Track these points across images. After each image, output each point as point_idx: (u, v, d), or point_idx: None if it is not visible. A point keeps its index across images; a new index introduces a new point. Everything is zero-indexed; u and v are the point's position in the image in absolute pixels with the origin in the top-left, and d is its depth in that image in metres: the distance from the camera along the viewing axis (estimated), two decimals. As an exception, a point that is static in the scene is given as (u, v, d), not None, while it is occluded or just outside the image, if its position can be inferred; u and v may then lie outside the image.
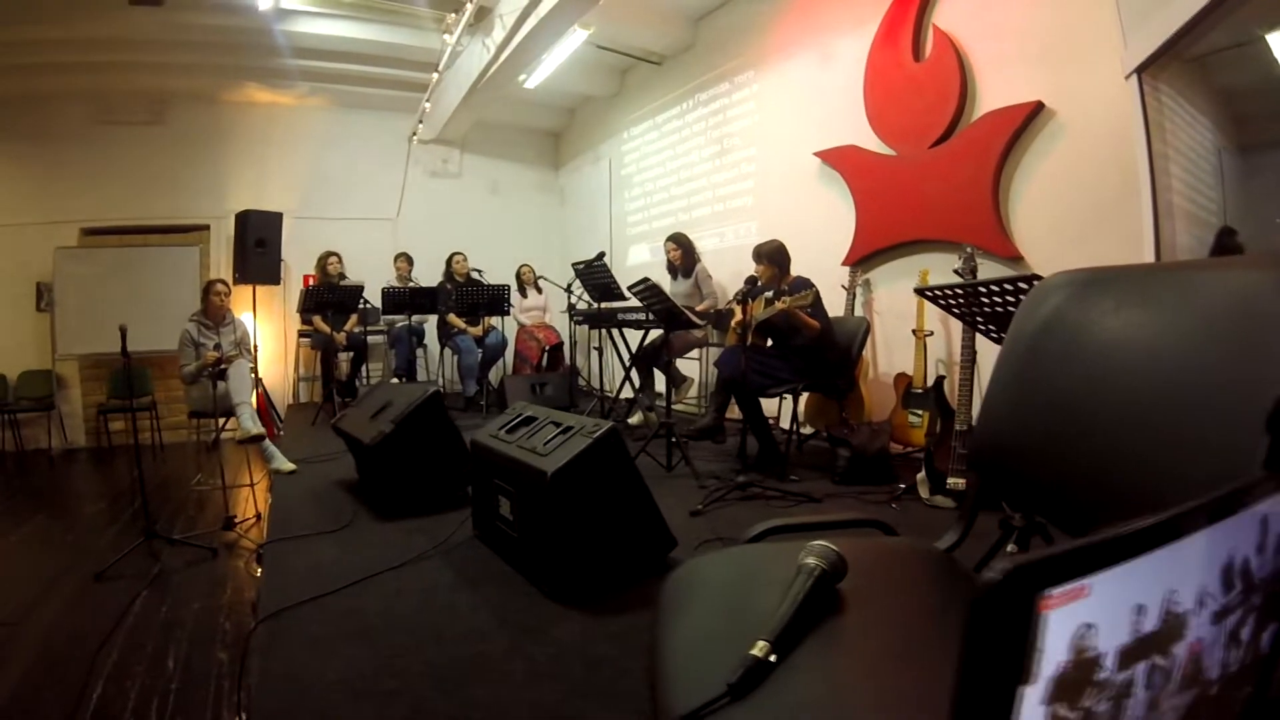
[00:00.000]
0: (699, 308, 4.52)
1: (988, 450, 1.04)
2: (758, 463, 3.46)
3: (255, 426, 3.65)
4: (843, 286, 4.06)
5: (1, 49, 5.04)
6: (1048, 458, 0.93)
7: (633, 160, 6.53)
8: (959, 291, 2.05)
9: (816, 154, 4.37)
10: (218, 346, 3.93)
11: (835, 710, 0.65)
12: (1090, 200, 2.98)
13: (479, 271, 6.15)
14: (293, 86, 6.27)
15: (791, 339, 3.45)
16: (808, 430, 4.03)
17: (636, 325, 4.30)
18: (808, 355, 3.43)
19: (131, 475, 3.65)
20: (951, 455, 2.82)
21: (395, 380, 5.61)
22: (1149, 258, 2.67)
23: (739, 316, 3.37)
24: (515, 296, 6.12)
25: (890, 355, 3.99)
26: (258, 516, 3.13)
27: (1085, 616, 0.35)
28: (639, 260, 6.38)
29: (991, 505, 1.12)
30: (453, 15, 4.77)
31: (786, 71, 4.68)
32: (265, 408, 5.14)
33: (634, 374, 4.63)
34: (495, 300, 5.61)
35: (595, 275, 4.54)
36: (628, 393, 4.79)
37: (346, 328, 5.62)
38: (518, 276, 6.37)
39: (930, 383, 3.29)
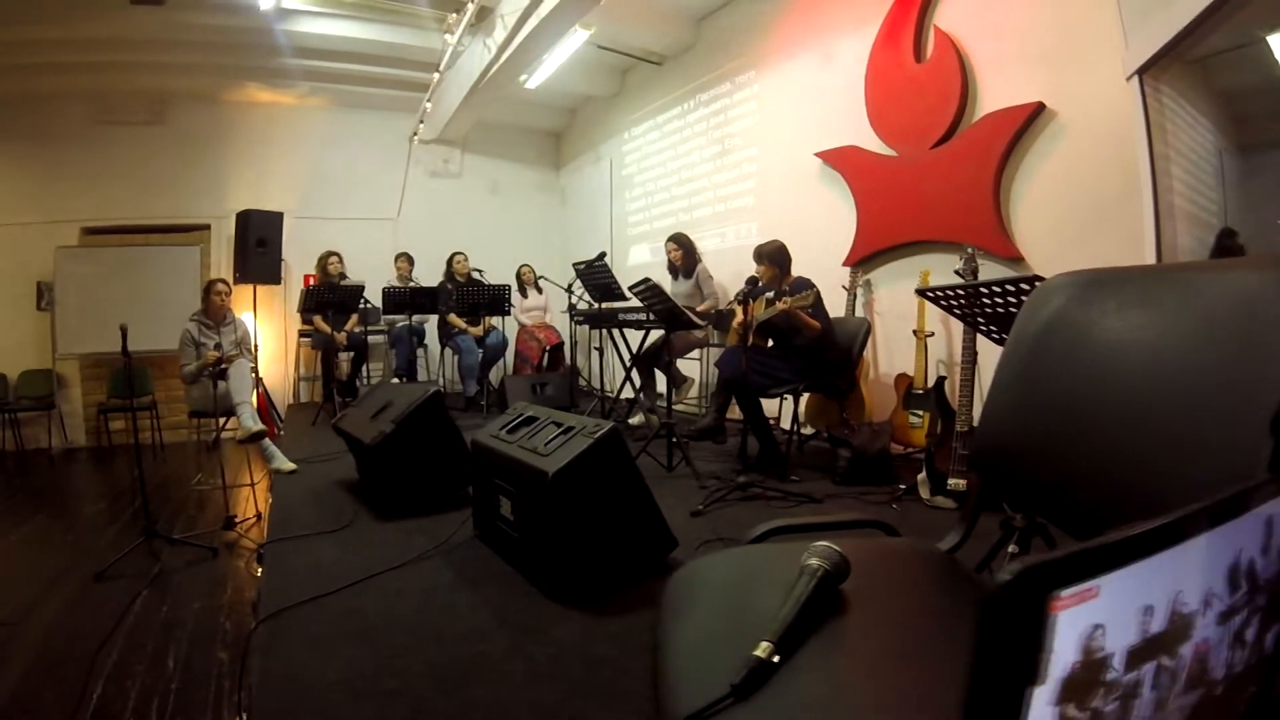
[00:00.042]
0: (700, 308, 4.52)
1: (989, 451, 1.04)
2: (758, 463, 3.46)
3: (256, 424, 3.65)
4: (843, 287, 4.06)
5: (2, 49, 5.05)
6: (1049, 458, 0.93)
7: (634, 160, 6.54)
8: (960, 292, 2.05)
9: (817, 154, 4.37)
10: (218, 346, 3.93)
11: (839, 711, 0.65)
12: (1091, 201, 2.98)
13: (479, 271, 6.15)
14: (293, 86, 6.27)
15: (792, 339, 3.45)
16: (808, 431, 4.03)
17: (637, 325, 4.30)
18: (809, 356, 3.43)
19: (132, 475, 3.66)
20: (952, 456, 2.82)
21: (396, 380, 5.61)
22: (1150, 259, 2.67)
23: (740, 317, 3.37)
24: (516, 296, 6.12)
25: (891, 356, 3.99)
26: (258, 516, 3.13)
27: (1095, 617, 0.35)
28: (640, 260, 6.38)
29: (992, 506, 1.11)
30: (454, 15, 4.77)
31: (788, 72, 4.68)
32: (266, 407, 5.14)
33: (634, 374, 4.63)
34: (496, 300, 5.61)
35: (596, 275, 4.54)
36: (628, 393, 4.79)
37: (347, 327, 5.62)
38: (518, 276, 6.37)
39: (931, 383, 3.29)
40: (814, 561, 0.79)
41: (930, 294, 2.27)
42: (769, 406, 3.67)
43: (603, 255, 4.68)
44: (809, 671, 0.68)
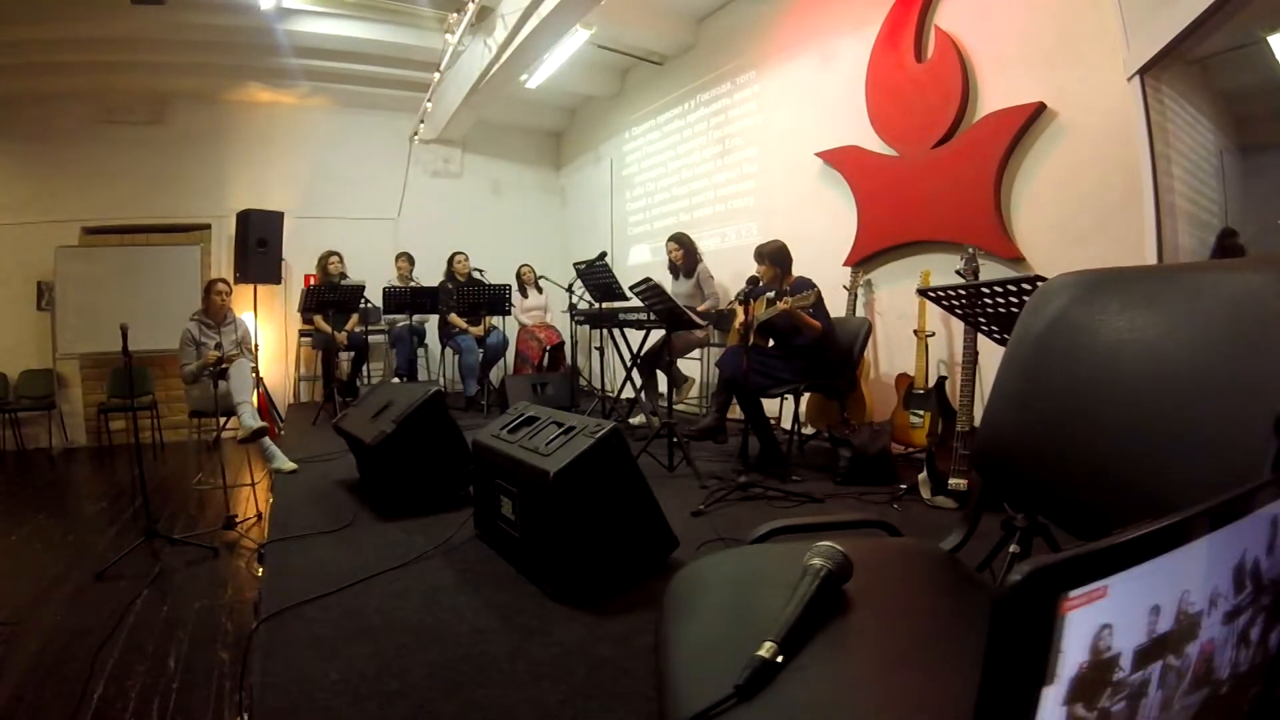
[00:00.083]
0: (700, 308, 4.52)
1: (991, 450, 1.04)
2: (759, 463, 3.46)
3: (256, 422, 3.65)
4: (844, 287, 4.06)
5: (2, 48, 5.04)
6: (1051, 458, 0.93)
7: (634, 160, 6.54)
8: (961, 292, 2.05)
9: (818, 154, 4.37)
10: (219, 346, 3.93)
11: (844, 711, 0.65)
12: (1092, 201, 2.98)
13: (480, 271, 6.15)
14: (294, 86, 6.27)
15: (793, 339, 3.46)
16: (809, 431, 4.04)
17: (638, 325, 4.30)
18: (809, 356, 3.43)
19: (132, 474, 3.66)
20: (953, 456, 2.82)
21: (396, 380, 5.62)
22: (1151, 259, 2.67)
23: (741, 317, 3.37)
24: (516, 296, 6.12)
25: (891, 356, 3.99)
26: (259, 516, 3.13)
27: (1104, 617, 0.35)
28: (640, 260, 6.38)
29: (994, 506, 1.11)
30: (454, 15, 4.77)
31: (788, 72, 4.68)
32: (266, 407, 5.14)
33: (635, 374, 4.63)
34: (496, 300, 5.62)
35: (597, 275, 4.54)
36: (629, 393, 4.79)
37: (347, 327, 5.62)
38: (518, 276, 6.37)
39: (932, 383, 3.29)
40: (817, 561, 0.79)
41: (931, 294, 2.27)
42: (770, 406, 3.67)
43: (603, 255, 4.68)
44: (813, 672, 0.68)
